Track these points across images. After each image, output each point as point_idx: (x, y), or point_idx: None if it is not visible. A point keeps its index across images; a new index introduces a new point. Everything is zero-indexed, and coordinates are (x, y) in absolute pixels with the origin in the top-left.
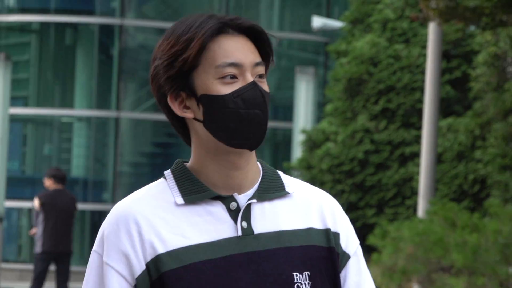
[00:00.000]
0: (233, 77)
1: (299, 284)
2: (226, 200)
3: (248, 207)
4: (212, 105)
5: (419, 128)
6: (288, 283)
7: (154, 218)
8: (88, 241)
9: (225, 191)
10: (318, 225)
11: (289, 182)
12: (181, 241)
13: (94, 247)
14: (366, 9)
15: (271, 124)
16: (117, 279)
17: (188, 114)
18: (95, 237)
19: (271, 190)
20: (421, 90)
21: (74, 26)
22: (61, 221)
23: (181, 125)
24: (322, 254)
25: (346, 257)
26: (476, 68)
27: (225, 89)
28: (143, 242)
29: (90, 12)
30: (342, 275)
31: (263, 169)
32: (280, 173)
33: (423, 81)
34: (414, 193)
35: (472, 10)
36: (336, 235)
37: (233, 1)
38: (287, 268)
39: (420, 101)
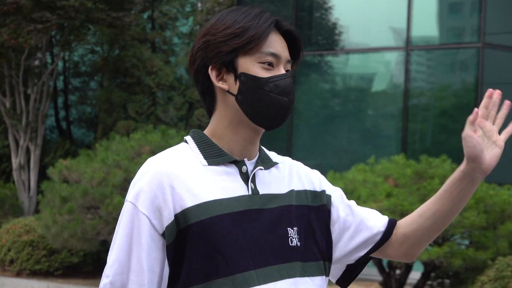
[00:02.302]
0: (271, 64)
1: (292, 238)
2: (239, 164)
3: (255, 172)
4: (249, 84)
5: None
6: (283, 236)
7: (184, 175)
8: None
9: (239, 157)
10: (300, 187)
11: (271, 154)
12: (209, 195)
13: (129, 198)
14: None
15: None
16: (148, 227)
17: (223, 86)
18: None
19: (266, 161)
20: None
21: None
22: None
23: (210, 94)
24: (303, 212)
25: (329, 197)
26: None
27: (263, 73)
28: (174, 195)
29: None
30: (334, 214)
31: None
32: (263, 147)
33: None
34: None
35: None
36: (322, 193)
37: None
38: (282, 223)
39: None
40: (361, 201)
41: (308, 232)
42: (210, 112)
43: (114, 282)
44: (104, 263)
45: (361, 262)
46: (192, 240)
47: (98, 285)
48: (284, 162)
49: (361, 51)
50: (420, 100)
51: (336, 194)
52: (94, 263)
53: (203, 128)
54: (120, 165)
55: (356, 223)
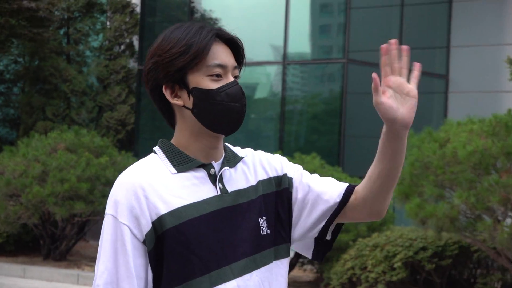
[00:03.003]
0: (219, 75)
1: (263, 227)
2: (207, 166)
3: (222, 173)
4: (202, 97)
5: None
6: (256, 227)
7: (156, 185)
8: None
9: (205, 160)
10: (265, 175)
11: (236, 150)
12: (179, 202)
13: (109, 211)
14: None
15: None
16: (130, 236)
17: (178, 102)
18: None
19: (232, 159)
20: None
21: None
22: None
23: (168, 110)
24: (270, 199)
25: (290, 179)
26: None
27: (213, 85)
28: (149, 204)
29: None
30: (294, 195)
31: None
32: (228, 144)
33: None
34: None
35: None
36: (282, 177)
37: None
38: (253, 215)
39: None
40: None
41: (276, 217)
42: (172, 125)
43: None
44: (24, 243)
45: (333, 231)
46: (168, 245)
47: (19, 262)
48: (248, 155)
49: (245, 64)
50: (295, 106)
51: (297, 175)
52: (16, 243)
53: (112, 128)
54: (38, 159)
55: (312, 198)
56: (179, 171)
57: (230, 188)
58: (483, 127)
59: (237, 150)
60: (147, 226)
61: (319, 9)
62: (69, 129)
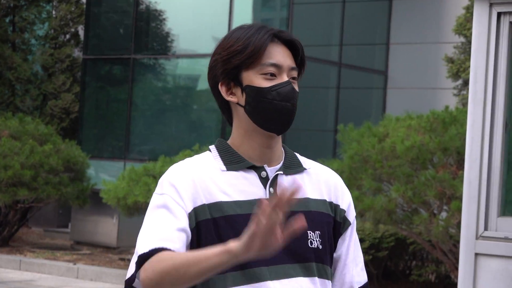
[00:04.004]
0: (273, 75)
1: (312, 240)
2: (258, 169)
3: (275, 177)
4: (253, 95)
5: None
6: (303, 238)
7: (205, 177)
8: None
9: (258, 163)
10: (326, 197)
11: (304, 160)
12: (223, 197)
13: (159, 191)
14: None
15: None
16: (177, 206)
17: (233, 99)
18: None
19: (292, 167)
20: None
21: None
22: None
23: (227, 107)
24: (328, 220)
25: (348, 223)
26: None
27: (266, 83)
28: (197, 193)
29: None
30: (341, 238)
31: (285, 151)
32: (297, 154)
33: None
34: None
35: None
36: (337, 207)
37: None
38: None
39: None
40: None
41: (329, 237)
42: (230, 122)
43: (154, 247)
44: None
45: None
46: (206, 234)
47: None
48: (318, 169)
49: (189, 56)
50: None
51: (350, 228)
52: None
53: (56, 116)
54: None
55: (339, 265)
56: (228, 169)
57: None
58: (421, 123)
59: (304, 160)
60: (190, 207)
61: (261, 3)
62: (14, 117)
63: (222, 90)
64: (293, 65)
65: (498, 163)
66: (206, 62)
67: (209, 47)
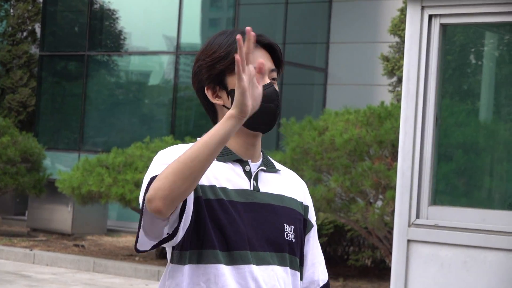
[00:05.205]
0: None
1: (288, 232)
2: (243, 163)
3: (257, 172)
4: None
5: None
6: (280, 229)
7: None
8: None
9: (243, 157)
10: (298, 197)
11: (276, 163)
12: (217, 182)
13: (158, 159)
14: None
15: None
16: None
17: (219, 102)
18: None
19: (269, 166)
20: None
21: None
22: None
23: (212, 109)
24: (299, 217)
25: (311, 225)
26: None
27: None
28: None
29: None
30: (306, 237)
31: (262, 151)
32: (268, 156)
33: None
34: None
35: None
36: (306, 208)
37: None
38: (279, 219)
39: None
40: (138, 172)
41: (300, 233)
42: (214, 122)
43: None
44: None
45: None
46: (199, 211)
47: None
48: (287, 173)
49: (141, 53)
50: (186, 93)
51: (313, 229)
52: None
53: (13, 109)
54: None
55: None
56: (218, 160)
57: (262, 188)
58: (358, 117)
59: (275, 162)
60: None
61: (210, 4)
62: None
63: (208, 94)
64: (273, 66)
65: (429, 156)
66: (157, 58)
67: (160, 45)
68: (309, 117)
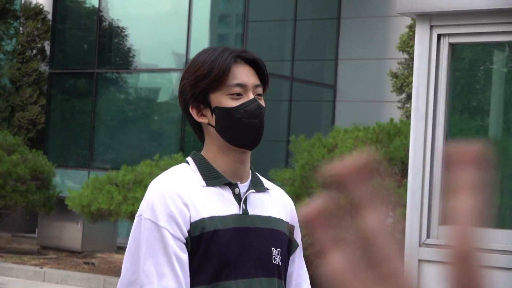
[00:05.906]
0: (239, 94)
1: (275, 256)
2: (232, 186)
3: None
4: (223, 115)
5: None
6: (267, 254)
7: (189, 193)
8: None
9: (232, 179)
10: (284, 217)
11: (264, 181)
12: (206, 212)
13: (146, 216)
14: None
15: None
16: (172, 238)
17: (203, 120)
18: None
19: (258, 185)
20: None
21: None
22: None
23: (199, 128)
24: (285, 238)
25: (296, 245)
26: None
27: (233, 103)
28: (188, 207)
29: None
30: (291, 257)
31: (250, 168)
32: (257, 173)
33: None
34: None
35: None
36: (292, 228)
37: None
38: (267, 242)
39: None
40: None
41: (285, 255)
42: (202, 141)
43: None
44: None
45: None
46: (193, 248)
47: None
48: (276, 191)
49: (150, 70)
50: None
51: (299, 249)
52: None
53: (23, 127)
54: None
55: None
56: (208, 185)
57: (251, 212)
58: (367, 134)
59: (264, 180)
60: (185, 228)
61: (218, 20)
62: None
63: (193, 112)
64: (258, 82)
65: (439, 175)
66: (166, 76)
67: (169, 62)
68: (319, 134)
